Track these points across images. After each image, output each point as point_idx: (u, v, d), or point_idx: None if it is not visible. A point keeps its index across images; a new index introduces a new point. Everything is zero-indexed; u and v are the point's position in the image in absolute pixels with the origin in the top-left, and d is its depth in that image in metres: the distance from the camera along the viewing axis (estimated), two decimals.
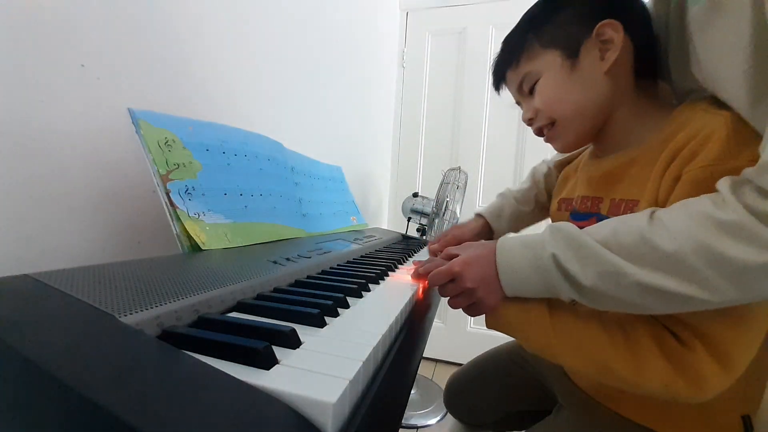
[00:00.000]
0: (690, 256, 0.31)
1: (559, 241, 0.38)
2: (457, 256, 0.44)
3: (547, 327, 0.40)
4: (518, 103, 0.55)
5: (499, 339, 0.72)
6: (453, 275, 0.42)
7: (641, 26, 0.46)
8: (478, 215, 0.75)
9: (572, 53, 0.46)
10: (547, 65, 0.48)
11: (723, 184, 0.33)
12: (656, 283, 0.33)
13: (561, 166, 0.67)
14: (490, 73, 0.56)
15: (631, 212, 0.42)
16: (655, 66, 0.48)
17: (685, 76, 0.43)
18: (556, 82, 0.48)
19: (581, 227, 0.46)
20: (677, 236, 0.32)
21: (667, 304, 0.34)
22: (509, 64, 0.52)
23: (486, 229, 0.74)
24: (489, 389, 0.70)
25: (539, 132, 0.53)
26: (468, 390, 0.73)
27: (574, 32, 0.46)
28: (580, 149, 0.61)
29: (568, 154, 0.67)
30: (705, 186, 0.35)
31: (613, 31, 0.44)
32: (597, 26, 0.44)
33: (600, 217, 0.48)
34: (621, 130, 0.49)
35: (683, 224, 0.33)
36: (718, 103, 0.39)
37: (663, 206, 0.38)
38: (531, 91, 0.50)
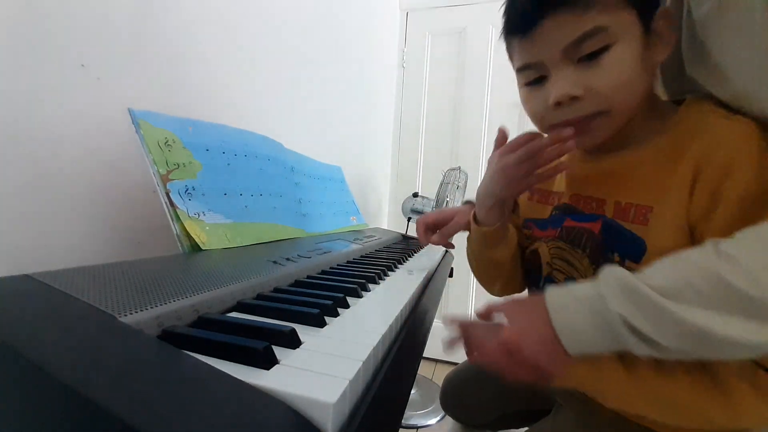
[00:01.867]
0: None
1: (623, 298, 0.33)
2: (501, 310, 0.40)
3: (624, 380, 0.36)
4: (538, 65, 0.40)
5: None
6: (509, 353, 0.36)
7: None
8: (467, 201, 0.72)
9: (647, 27, 0.37)
10: (626, 29, 0.36)
11: None
12: (747, 338, 0.29)
13: None
14: (519, 6, 0.41)
15: (643, 218, 0.39)
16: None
17: (681, 77, 0.42)
18: (634, 60, 0.37)
19: (587, 228, 0.43)
20: (761, 276, 0.29)
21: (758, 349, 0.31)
22: (573, 1, 0.36)
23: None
24: (484, 390, 0.69)
25: (572, 121, 0.40)
26: (463, 390, 0.72)
27: (654, 3, 0.37)
28: None
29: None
30: (760, 203, 0.32)
31: (666, 22, 0.38)
32: (660, 10, 0.37)
33: (605, 220, 0.43)
34: (629, 128, 0.43)
35: (763, 260, 0.29)
36: (722, 105, 0.38)
37: (701, 223, 0.36)
38: (590, 58, 0.37)
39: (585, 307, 0.35)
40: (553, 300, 0.36)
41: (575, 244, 0.46)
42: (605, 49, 0.36)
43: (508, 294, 0.61)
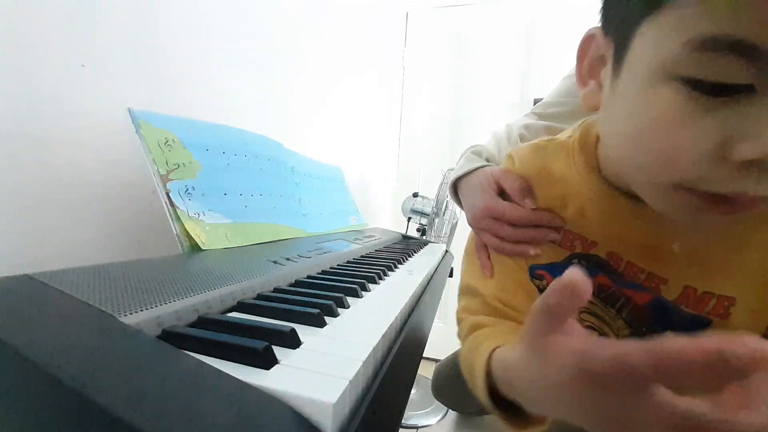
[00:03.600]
0: None
1: None
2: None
3: None
4: (734, 88, 0.20)
5: None
6: None
7: None
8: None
9: None
10: None
11: None
12: None
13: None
14: None
15: (725, 312, 0.33)
16: None
17: None
18: None
19: (628, 296, 0.36)
20: None
21: None
22: None
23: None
24: (466, 383, 0.68)
25: (754, 201, 0.23)
26: (450, 380, 0.72)
27: None
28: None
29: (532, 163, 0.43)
30: None
31: None
32: None
33: (660, 302, 0.35)
34: None
35: None
36: None
37: None
38: None
39: None
40: None
41: (608, 303, 0.39)
42: None
43: None
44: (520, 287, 0.43)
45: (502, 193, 0.45)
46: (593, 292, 0.34)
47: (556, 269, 0.41)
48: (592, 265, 0.38)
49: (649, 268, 0.35)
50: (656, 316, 0.36)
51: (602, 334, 0.40)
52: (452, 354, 0.75)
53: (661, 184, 0.26)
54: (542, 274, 0.42)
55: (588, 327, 0.41)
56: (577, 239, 0.39)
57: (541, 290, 0.43)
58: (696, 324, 0.34)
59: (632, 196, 0.33)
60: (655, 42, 0.23)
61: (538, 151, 0.42)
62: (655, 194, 0.28)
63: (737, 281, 0.32)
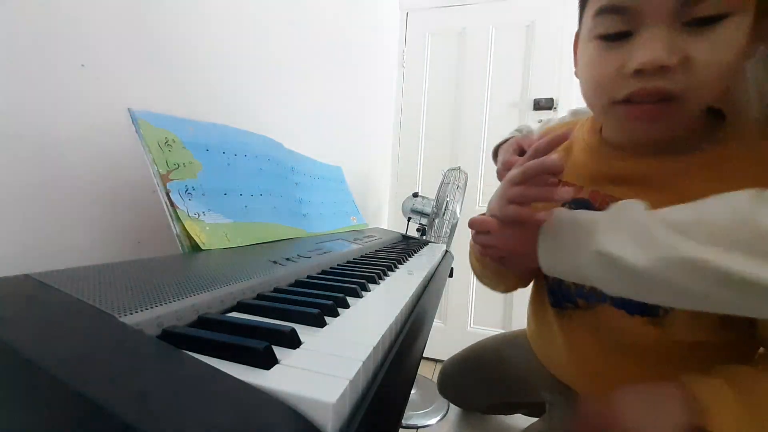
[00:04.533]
0: None
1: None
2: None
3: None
4: (631, 12, 0.33)
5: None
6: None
7: None
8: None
9: (765, 10, 0.31)
10: (742, 6, 0.30)
11: None
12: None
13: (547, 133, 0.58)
14: None
15: None
16: None
17: None
18: (740, 41, 0.31)
19: None
20: None
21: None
22: None
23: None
24: (473, 381, 0.73)
25: (648, 94, 0.33)
26: (456, 378, 0.76)
27: None
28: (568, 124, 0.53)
29: (560, 123, 0.57)
30: None
31: None
32: None
33: None
34: (678, 131, 0.38)
35: None
36: None
37: None
38: (700, 23, 0.31)
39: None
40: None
41: None
42: (720, 18, 0.29)
43: (513, 290, 0.61)
44: None
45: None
46: None
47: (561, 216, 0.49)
48: (579, 206, 0.47)
49: (621, 196, 0.41)
50: None
51: None
52: (461, 351, 0.78)
53: (603, 105, 0.39)
54: None
55: None
56: (570, 187, 0.46)
57: None
58: None
59: (618, 148, 0.44)
60: (585, 18, 0.39)
61: (566, 124, 0.56)
62: (605, 117, 0.43)
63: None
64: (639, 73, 0.33)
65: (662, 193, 0.38)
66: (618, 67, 0.35)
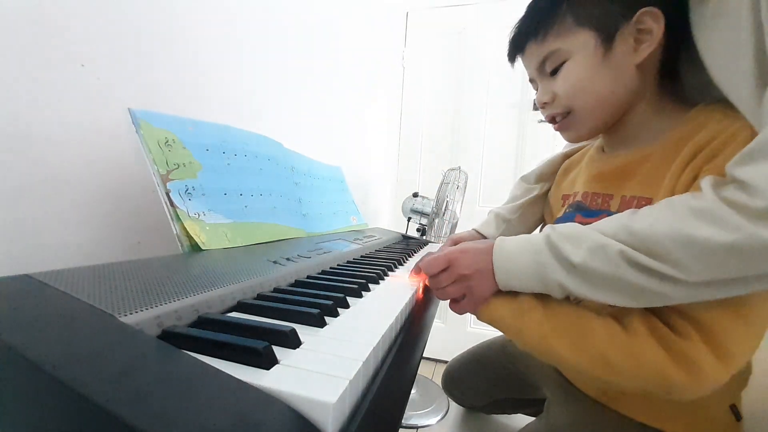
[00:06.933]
0: (663, 239, 0.33)
1: (553, 229, 0.40)
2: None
3: (541, 318, 0.39)
4: (532, 80, 0.52)
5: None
6: (448, 262, 0.43)
7: (681, 18, 0.41)
8: (473, 230, 0.78)
9: (607, 38, 0.42)
10: (578, 47, 0.44)
11: (705, 181, 0.34)
12: (638, 259, 0.34)
13: (565, 156, 0.66)
14: (508, 40, 0.51)
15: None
16: (678, 62, 0.45)
17: (695, 73, 0.42)
18: (586, 69, 0.44)
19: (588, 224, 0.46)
20: (653, 222, 0.34)
21: (649, 281, 0.34)
22: (534, 35, 0.47)
23: (479, 237, 0.75)
24: (479, 379, 0.75)
25: (551, 119, 0.50)
26: (461, 377, 0.79)
27: (614, 13, 0.42)
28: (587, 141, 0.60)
29: (577, 145, 0.65)
30: None
31: (653, 21, 0.41)
32: (638, 12, 0.41)
33: (609, 215, 0.44)
34: (637, 125, 0.47)
35: (661, 213, 0.35)
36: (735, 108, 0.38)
37: None
38: (553, 72, 0.46)
39: (524, 240, 0.41)
40: (504, 238, 0.43)
41: None
42: (562, 64, 0.45)
43: None
44: None
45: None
46: None
47: (560, 221, 0.54)
48: (576, 209, 0.53)
49: (603, 191, 0.49)
50: None
51: None
52: (466, 351, 0.82)
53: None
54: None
55: None
56: (569, 198, 0.57)
57: None
58: None
59: (602, 151, 0.54)
60: None
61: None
62: None
63: (658, 185, 0.41)
64: (542, 106, 0.50)
65: (633, 177, 0.45)
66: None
